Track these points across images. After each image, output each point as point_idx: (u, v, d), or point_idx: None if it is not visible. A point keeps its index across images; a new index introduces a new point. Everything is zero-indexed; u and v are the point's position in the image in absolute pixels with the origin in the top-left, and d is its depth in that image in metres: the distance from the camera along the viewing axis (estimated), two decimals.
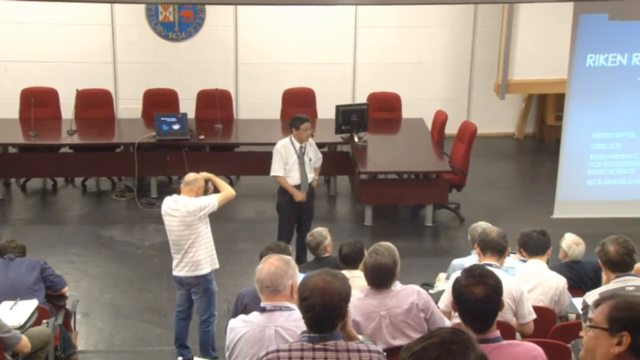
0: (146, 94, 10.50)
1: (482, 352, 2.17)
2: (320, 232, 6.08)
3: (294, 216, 7.80)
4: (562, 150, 8.46)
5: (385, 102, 10.58)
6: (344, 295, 3.17)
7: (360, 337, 3.55)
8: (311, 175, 7.78)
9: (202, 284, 6.07)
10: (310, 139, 7.80)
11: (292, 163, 7.66)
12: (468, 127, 9.37)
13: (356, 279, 4.94)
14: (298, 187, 7.68)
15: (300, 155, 7.65)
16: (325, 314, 3.14)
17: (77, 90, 10.00)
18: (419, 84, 11.62)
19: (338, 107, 9.30)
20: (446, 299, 4.68)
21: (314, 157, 7.83)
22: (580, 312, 4.71)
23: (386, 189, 9.24)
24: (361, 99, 10.84)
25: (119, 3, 10.65)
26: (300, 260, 7.20)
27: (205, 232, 5.99)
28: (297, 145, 7.65)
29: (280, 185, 7.76)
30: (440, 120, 9.88)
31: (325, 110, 9.98)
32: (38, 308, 5.57)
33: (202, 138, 9.54)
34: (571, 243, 6.09)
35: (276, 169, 7.69)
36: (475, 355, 2.15)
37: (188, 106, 10.25)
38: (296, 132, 7.62)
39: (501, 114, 11.92)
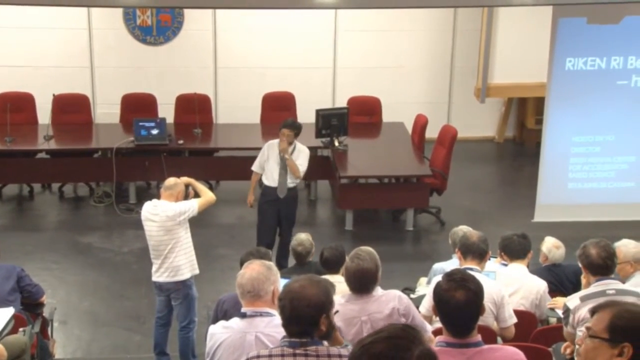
0: (124, 98, 10.46)
1: (429, 349, 2.22)
2: (308, 240, 6.07)
3: (273, 220, 7.78)
4: (543, 153, 8.54)
5: (365, 106, 10.60)
6: (318, 303, 3.16)
7: (344, 341, 3.55)
8: (292, 182, 7.75)
9: (182, 289, 6.05)
10: (303, 147, 7.79)
11: (272, 165, 7.69)
12: (448, 130, 9.42)
13: (337, 284, 4.94)
14: (274, 189, 7.68)
15: (282, 158, 7.66)
16: (293, 318, 3.15)
17: (53, 95, 9.94)
18: (399, 87, 11.66)
19: (318, 111, 9.31)
20: (427, 304, 4.71)
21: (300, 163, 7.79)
22: (561, 315, 4.74)
23: (367, 193, 9.26)
24: (341, 102, 10.85)
25: (98, 7, 10.60)
26: (280, 265, 7.19)
27: (185, 237, 5.98)
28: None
29: (262, 187, 7.79)
30: (421, 124, 9.92)
31: (305, 115, 9.98)
32: (14, 316, 5.52)
33: (181, 143, 9.51)
34: (551, 246, 6.14)
35: (255, 165, 7.83)
36: (419, 352, 2.19)
37: (167, 111, 10.22)
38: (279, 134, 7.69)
39: (481, 117, 11.99)
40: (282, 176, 7.69)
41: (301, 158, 7.78)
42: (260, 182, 7.89)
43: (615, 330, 2.50)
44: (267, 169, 7.72)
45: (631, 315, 2.52)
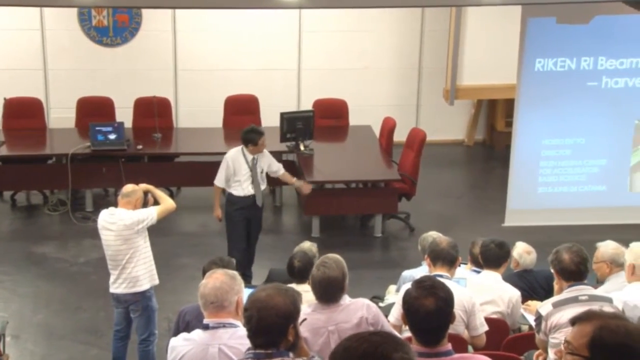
0: (80, 102, 10.36)
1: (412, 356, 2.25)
2: (312, 251, 5.97)
3: (243, 227, 7.72)
4: (513, 157, 8.62)
5: (331, 109, 10.62)
6: (286, 313, 3.15)
7: (310, 352, 3.54)
8: (265, 187, 7.72)
9: (141, 301, 6.01)
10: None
11: (243, 175, 7.57)
12: (417, 134, 9.47)
13: (304, 293, 4.93)
14: (253, 197, 7.62)
15: (253, 167, 7.58)
16: (261, 328, 3.14)
17: (4, 99, 9.82)
18: (366, 90, 11.70)
19: (283, 115, 9.31)
20: (396, 312, 4.71)
21: (266, 167, 7.75)
22: (533, 323, 4.78)
23: (333, 198, 9.27)
24: (306, 105, 10.86)
25: (51, 7, 10.48)
26: (245, 275, 7.16)
27: (143, 247, 5.95)
28: (249, 157, 7.57)
29: (228, 195, 7.71)
30: (389, 127, 9.96)
31: (269, 118, 9.97)
32: None
33: (140, 148, 9.45)
34: (522, 252, 6.19)
35: (218, 179, 7.68)
36: (400, 356, 2.24)
37: (125, 115, 10.14)
38: (253, 148, 7.54)
39: (450, 120, 12.07)
40: (258, 186, 7.61)
41: (267, 161, 7.76)
42: (223, 191, 7.82)
43: (595, 348, 2.46)
44: (236, 180, 7.58)
45: (613, 333, 2.46)
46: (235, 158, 7.60)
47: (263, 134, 7.61)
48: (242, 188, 7.60)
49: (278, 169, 7.96)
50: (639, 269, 5.04)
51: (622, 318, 2.60)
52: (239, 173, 7.57)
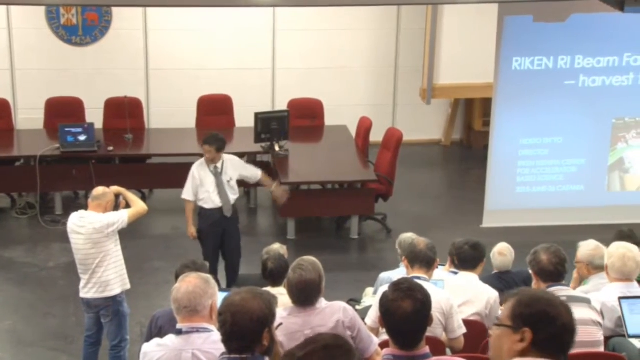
0: (48, 103, 10.29)
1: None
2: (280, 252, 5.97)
3: (217, 243, 7.61)
4: (490, 157, 8.66)
5: (306, 109, 10.62)
6: (261, 317, 3.14)
7: None
8: (233, 197, 7.56)
9: (112, 306, 5.99)
10: (230, 157, 7.62)
11: (209, 186, 7.45)
12: (393, 134, 9.49)
13: (279, 296, 4.93)
14: (221, 209, 7.54)
15: (217, 175, 7.48)
16: (235, 332, 3.13)
17: None
18: (341, 89, 11.71)
19: (257, 115, 9.29)
20: (373, 315, 4.72)
21: (237, 176, 7.62)
22: None
23: (309, 200, 9.27)
24: (281, 105, 10.85)
25: (18, 5, 10.39)
26: (228, 286, 7.13)
27: (114, 251, 5.93)
28: (211, 165, 7.47)
29: (199, 210, 7.58)
30: (365, 127, 9.98)
31: (244, 118, 9.95)
32: None
33: (111, 150, 9.40)
34: (495, 252, 6.25)
35: (185, 192, 7.54)
36: None
37: (95, 116, 10.08)
38: (205, 157, 7.47)
39: (427, 120, 12.12)
40: (225, 195, 7.49)
41: (236, 168, 7.63)
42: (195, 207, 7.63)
43: (516, 317, 2.63)
44: (203, 192, 7.46)
45: (530, 301, 2.65)
46: (199, 169, 7.49)
47: (205, 142, 7.41)
48: (212, 200, 7.46)
49: (254, 175, 7.80)
50: (612, 269, 5.09)
51: (547, 292, 2.80)
52: (205, 183, 7.44)
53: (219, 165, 7.47)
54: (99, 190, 6.01)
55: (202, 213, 7.57)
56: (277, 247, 6.05)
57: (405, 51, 11.81)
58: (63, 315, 7.32)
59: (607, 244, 5.45)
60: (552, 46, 8.29)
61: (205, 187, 7.45)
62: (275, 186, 8.11)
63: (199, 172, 7.47)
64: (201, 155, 7.55)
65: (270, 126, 9.26)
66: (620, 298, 4.98)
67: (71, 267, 6.35)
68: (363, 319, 4.54)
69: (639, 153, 8.77)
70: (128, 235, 6.24)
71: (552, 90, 8.44)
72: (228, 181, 7.51)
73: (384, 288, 3.39)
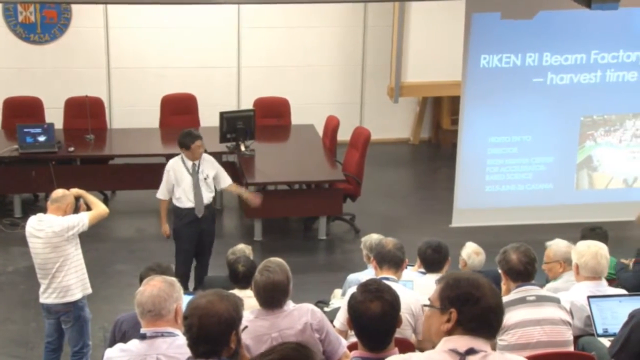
0: (6, 102, 10.18)
1: None
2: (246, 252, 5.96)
3: (193, 242, 7.57)
4: (459, 156, 8.71)
5: (273, 108, 10.61)
6: (228, 320, 3.14)
7: None
8: (209, 195, 7.53)
9: (73, 311, 5.96)
10: (204, 155, 7.58)
11: (186, 185, 7.40)
12: (361, 133, 9.52)
13: (246, 298, 4.91)
14: (192, 209, 7.48)
15: (194, 174, 7.45)
16: (202, 336, 3.12)
17: None
18: (308, 87, 11.72)
19: (222, 114, 9.26)
20: (342, 317, 4.73)
21: (212, 173, 7.58)
22: None
23: (276, 200, 9.25)
24: (247, 104, 10.83)
25: None
26: (196, 289, 7.09)
27: (74, 254, 5.89)
28: (189, 163, 7.43)
29: (174, 209, 7.51)
30: (332, 126, 10.00)
31: (209, 118, 9.92)
32: None
33: (71, 150, 9.31)
34: (471, 252, 6.27)
35: (160, 192, 7.51)
36: None
37: (55, 116, 9.99)
38: (187, 152, 7.39)
39: (395, 118, 12.16)
40: (199, 195, 7.44)
41: (213, 167, 7.60)
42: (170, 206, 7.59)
43: (443, 298, 2.82)
44: (179, 191, 7.41)
45: (456, 282, 2.83)
46: (175, 167, 7.44)
47: (198, 137, 7.42)
48: (189, 199, 7.43)
49: (224, 181, 7.72)
50: (584, 268, 5.15)
51: (474, 274, 2.94)
52: (182, 182, 7.40)
53: (196, 163, 7.44)
54: (58, 192, 5.97)
55: (177, 212, 7.52)
56: (243, 247, 6.04)
57: (372, 49, 11.85)
58: (23, 321, 7.24)
59: (575, 242, 5.52)
60: (519, 43, 8.37)
61: (182, 186, 7.41)
62: (245, 192, 8.06)
63: (175, 171, 7.43)
64: (169, 155, 7.51)
65: (236, 125, 9.23)
66: (589, 297, 5.04)
67: (31, 272, 6.28)
68: (331, 321, 4.55)
69: (607, 151, 8.88)
70: (90, 238, 6.20)
71: (521, 88, 8.51)
72: (205, 178, 7.49)
73: (353, 289, 3.40)
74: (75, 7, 11.04)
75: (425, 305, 2.88)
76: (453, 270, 4.55)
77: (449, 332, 2.76)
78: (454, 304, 2.77)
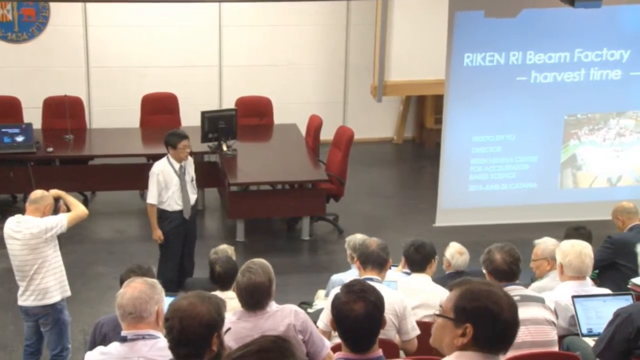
0: None
1: None
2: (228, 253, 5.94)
3: (180, 246, 7.55)
4: (443, 155, 8.73)
5: (255, 107, 10.59)
6: (210, 322, 3.13)
7: None
8: (194, 197, 7.54)
9: (52, 314, 5.94)
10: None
11: (174, 187, 7.37)
12: (344, 132, 9.52)
13: (228, 300, 4.90)
14: (181, 212, 7.46)
15: (181, 175, 7.41)
16: (183, 338, 3.11)
17: None
18: (290, 87, 11.71)
19: (204, 114, 9.24)
20: (325, 318, 4.72)
21: (194, 175, 7.57)
22: None
23: (259, 201, 9.25)
24: (229, 104, 10.81)
25: None
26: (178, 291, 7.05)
27: (53, 256, 5.87)
28: (177, 165, 7.39)
29: (161, 213, 7.46)
30: (315, 125, 9.99)
31: (190, 117, 9.89)
32: None
33: (50, 151, 9.26)
34: (455, 252, 6.29)
35: (150, 196, 7.43)
36: None
37: (33, 115, 9.93)
38: (173, 152, 7.35)
39: (379, 117, 12.18)
40: (186, 196, 7.43)
41: (192, 166, 7.60)
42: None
43: (459, 311, 2.65)
44: (168, 195, 7.38)
45: (474, 295, 2.65)
46: (163, 170, 7.39)
47: (185, 137, 7.37)
48: (177, 202, 7.41)
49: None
50: (568, 268, 5.18)
51: (491, 284, 2.78)
52: (171, 185, 7.36)
53: (182, 164, 7.42)
54: (36, 193, 5.94)
55: (164, 216, 7.47)
56: (225, 248, 6.03)
57: (355, 48, 11.86)
58: (1, 324, 7.18)
59: (560, 241, 5.55)
60: (503, 42, 8.40)
61: (170, 190, 7.38)
62: None
63: (164, 175, 7.38)
64: (149, 156, 7.46)
65: (218, 125, 9.21)
66: (573, 297, 5.07)
67: (9, 274, 6.25)
68: (315, 322, 4.55)
69: (591, 150, 8.93)
70: (69, 239, 6.17)
71: (504, 87, 8.55)
72: (191, 180, 7.50)
73: (336, 290, 3.39)
74: (53, 5, 10.98)
75: (437, 315, 2.73)
76: (469, 279, 4.42)
77: (463, 348, 2.63)
78: (470, 319, 2.61)
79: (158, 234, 7.48)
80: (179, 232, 7.51)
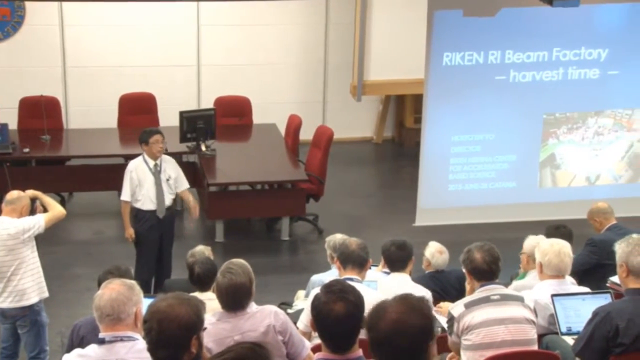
0: None
1: None
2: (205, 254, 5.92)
3: (155, 246, 7.52)
4: (422, 154, 8.76)
5: (234, 107, 10.58)
6: (189, 323, 3.12)
7: None
8: (170, 197, 7.49)
9: (29, 315, 5.91)
10: (165, 156, 7.53)
11: (149, 185, 7.35)
12: (324, 132, 9.53)
13: (207, 301, 4.89)
14: (155, 212, 7.43)
15: (156, 173, 7.39)
16: (162, 340, 3.10)
17: None
18: (269, 86, 11.70)
19: (182, 114, 9.21)
20: (305, 319, 4.72)
21: (174, 174, 7.52)
22: (446, 325, 4.87)
23: (238, 201, 9.23)
24: (207, 103, 10.79)
25: None
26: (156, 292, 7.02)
27: (30, 257, 5.84)
28: (152, 163, 7.37)
29: (136, 212, 7.44)
30: (294, 125, 9.99)
31: (168, 117, 9.86)
32: None
33: (26, 151, 9.21)
34: (435, 252, 6.30)
35: (123, 193, 7.41)
36: None
37: (9, 116, 9.87)
38: (146, 148, 7.32)
39: (358, 117, 12.20)
40: (161, 195, 7.39)
41: (174, 169, 7.56)
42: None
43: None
44: (142, 194, 7.35)
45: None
46: (138, 167, 7.37)
47: (157, 132, 7.39)
48: (151, 200, 7.38)
49: (182, 186, 7.64)
50: (547, 267, 5.21)
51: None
52: (144, 183, 7.34)
53: (158, 162, 7.38)
54: (13, 194, 5.92)
55: (139, 215, 7.45)
56: (202, 249, 6.02)
57: (334, 47, 11.87)
58: None
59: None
60: (482, 41, 8.44)
61: (144, 188, 7.35)
62: (193, 202, 7.88)
63: (137, 172, 7.36)
64: (127, 156, 7.43)
65: (196, 125, 9.19)
66: (552, 295, 5.10)
67: None
68: (295, 322, 4.55)
69: (570, 149, 8.99)
70: (47, 240, 6.13)
71: (483, 86, 8.58)
72: (167, 179, 7.45)
73: (316, 291, 3.39)
74: (29, 5, 10.91)
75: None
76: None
77: None
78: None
79: (130, 232, 7.46)
80: (153, 232, 7.47)
